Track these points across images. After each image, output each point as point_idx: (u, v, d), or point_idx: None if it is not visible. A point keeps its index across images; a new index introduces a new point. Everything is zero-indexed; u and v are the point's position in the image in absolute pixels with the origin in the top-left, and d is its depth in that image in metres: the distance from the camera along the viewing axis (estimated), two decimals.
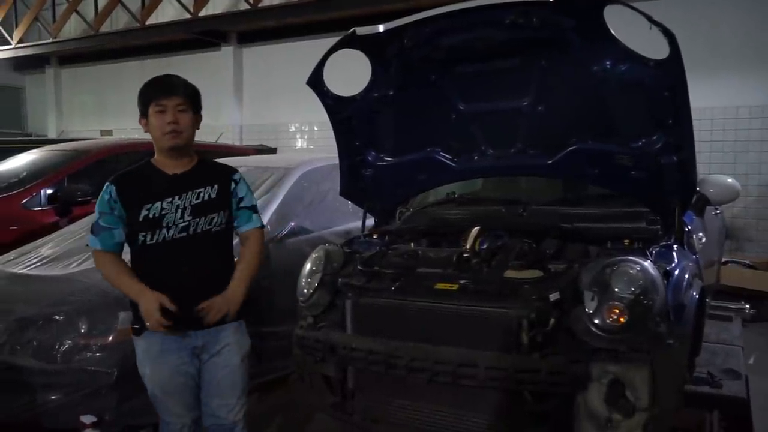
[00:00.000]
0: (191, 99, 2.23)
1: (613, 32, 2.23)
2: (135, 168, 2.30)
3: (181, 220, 2.18)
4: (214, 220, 2.23)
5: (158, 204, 2.17)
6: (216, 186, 2.25)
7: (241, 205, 2.33)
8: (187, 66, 10.81)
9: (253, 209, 2.36)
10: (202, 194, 2.22)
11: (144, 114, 2.22)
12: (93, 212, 4.14)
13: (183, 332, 2.20)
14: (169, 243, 2.18)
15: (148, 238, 2.18)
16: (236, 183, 2.32)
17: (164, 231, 2.17)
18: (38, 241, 3.77)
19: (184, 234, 2.18)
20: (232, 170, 2.36)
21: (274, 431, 3.27)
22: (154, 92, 2.20)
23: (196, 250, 2.21)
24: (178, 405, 2.26)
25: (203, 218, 2.21)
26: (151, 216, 2.17)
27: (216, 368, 2.28)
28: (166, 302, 2.10)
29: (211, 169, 2.34)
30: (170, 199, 2.18)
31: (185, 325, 2.20)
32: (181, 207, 2.19)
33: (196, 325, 2.21)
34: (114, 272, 2.21)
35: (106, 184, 2.22)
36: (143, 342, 2.24)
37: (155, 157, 2.28)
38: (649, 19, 2.10)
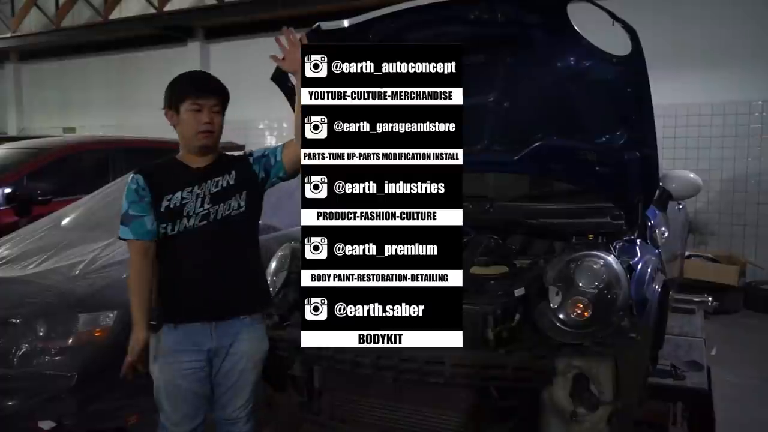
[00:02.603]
0: (224, 101, 2.22)
1: (576, 28, 2.25)
2: (159, 162, 2.29)
3: (201, 209, 2.16)
4: (232, 205, 2.21)
5: (178, 194, 2.16)
6: (233, 172, 2.23)
7: (261, 154, 2.28)
8: (152, 62, 10.63)
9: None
10: (220, 182, 2.21)
11: (172, 107, 2.18)
12: (53, 212, 4.15)
13: (205, 322, 2.18)
14: (191, 232, 2.15)
15: (169, 229, 2.15)
16: (251, 154, 2.30)
17: (185, 221, 2.15)
18: None
19: (205, 222, 2.16)
20: (249, 153, 2.35)
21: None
22: (192, 89, 2.16)
23: (217, 238, 2.18)
24: (177, 412, 2.19)
25: (222, 204, 2.19)
26: (171, 206, 2.15)
27: (227, 375, 2.25)
28: (140, 362, 2.13)
29: (229, 158, 2.33)
30: (190, 189, 2.17)
31: (209, 315, 2.18)
32: (201, 195, 2.17)
33: (220, 313, 2.19)
34: (132, 282, 2.16)
35: (131, 175, 2.20)
36: (154, 338, 2.18)
37: (180, 153, 2.27)
38: (612, 15, 2.11)
